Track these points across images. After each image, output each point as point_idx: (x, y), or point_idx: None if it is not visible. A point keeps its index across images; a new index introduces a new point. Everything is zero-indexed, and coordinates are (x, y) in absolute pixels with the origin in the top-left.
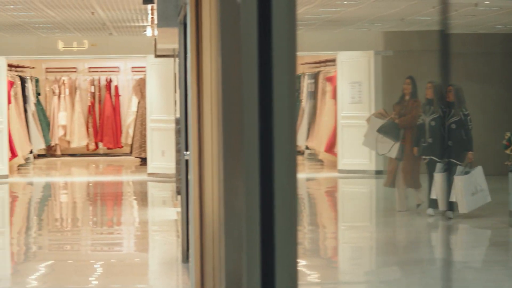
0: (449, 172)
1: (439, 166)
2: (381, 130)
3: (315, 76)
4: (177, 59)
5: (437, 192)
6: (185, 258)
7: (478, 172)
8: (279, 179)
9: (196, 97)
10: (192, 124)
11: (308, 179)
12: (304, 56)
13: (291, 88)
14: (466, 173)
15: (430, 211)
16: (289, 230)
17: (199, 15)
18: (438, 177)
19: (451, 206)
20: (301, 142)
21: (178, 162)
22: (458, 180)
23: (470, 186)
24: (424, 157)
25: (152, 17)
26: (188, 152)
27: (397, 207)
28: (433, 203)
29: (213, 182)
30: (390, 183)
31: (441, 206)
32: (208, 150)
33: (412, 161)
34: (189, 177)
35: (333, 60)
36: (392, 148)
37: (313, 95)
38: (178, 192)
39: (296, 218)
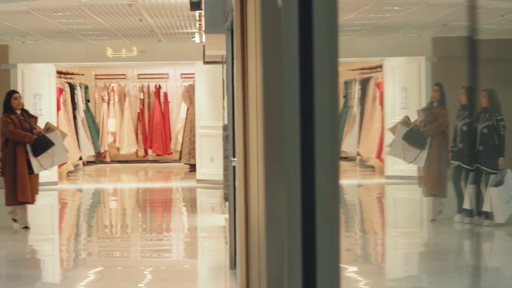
0: (478, 178)
1: (471, 175)
2: (406, 138)
3: (365, 82)
4: (225, 66)
5: (471, 201)
6: (233, 264)
7: (509, 177)
8: (321, 185)
9: (241, 103)
10: (237, 131)
11: (359, 185)
12: (356, 62)
13: (332, 94)
14: (499, 183)
15: (458, 218)
16: (330, 236)
17: (244, 21)
18: (471, 188)
19: (486, 214)
20: (352, 148)
21: (225, 169)
22: (492, 191)
23: (504, 195)
24: (452, 162)
25: (200, 24)
26: (235, 159)
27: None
28: (464, 210)
29: (259, 188)
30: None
31: (475, 214)
32: (253, 156)
33: (438, 169)
34: (236, 183)
35: (381, 66)
36: (418, 156)
37: (363, 101)
38: (226, 199)
39: (338, 224)
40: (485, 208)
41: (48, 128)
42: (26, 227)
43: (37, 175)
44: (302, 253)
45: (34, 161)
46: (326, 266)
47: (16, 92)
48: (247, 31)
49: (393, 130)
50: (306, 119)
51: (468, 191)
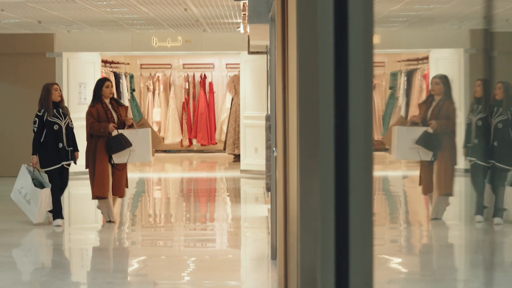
0: (494, 174)
1: (489, 173)
2: (421, 142)
3: (411, 73)
4: (269, 56)
5: (488, 199)
6: (274, 254)
7: None
8: (355, 178)
9: (281, 94)
10: (277, 121)
11: (404, 177)
12: (401, 54)
13: (367, 85)
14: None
15: (479, 217)
16: (364, 228)
17: (285, 11)
18: (489, 187)
19: (500, 212)
20: None
21: (268, 159)
22: (509, 190)
23: None
24: (470, 158)
25: (244, 14)
26: (275, 149)
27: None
28: (482, 210)
29: (296, 180)
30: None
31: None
32: (293, 147)
33: (445, 166)
34: (277, 174)
35: (426, 58)
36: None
37: (409, 92)
38: (268, 189)
39: (372, 217)
40: (503, 204)
41: (142, 124)
42: (110, 221)
43: (125, 169)
44: (335, 245)
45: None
46: (359, 259)
47: (108, 80)
48: (288, 21)
49: (387, 136)
50: (341, 110)
51: (487, 189)
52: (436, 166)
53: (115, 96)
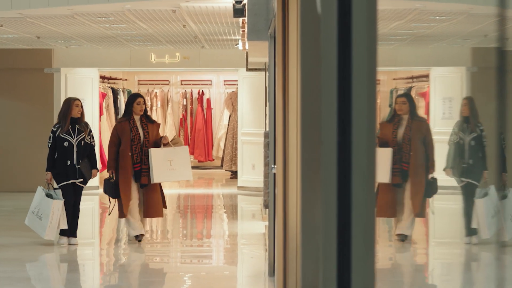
0: (468, 193)
1: (478, 191)
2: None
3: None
4: (267, 73)
5: (478, 219)
6: (272, 271)
7: (493, 190)
8: (357, 193)
9: (281, 110)
10: (277, 138)
11: None
12: (397, 71)
13: (370, 101)
14: (484, 196)
15: (468, 239)
16: (366, 243)
17: (286, 28)
18: (480, 202)
19: (473, 231)
20: None
21: (266, 176)
22: (479, 204)
23: (489, 208)
24: (463, 179)
25: (243, 31)
26: (275, 166)
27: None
28: (473, 231)
29: (297, 196)
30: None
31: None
32: (293, 164)
33: (418, 186)
34: (276, 190)
35: (426, 76)
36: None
37: None
38: (266, 206)
39: (374, 232)
40: (473, 224)
41: (177, 142)
42: (139, 235)
43: (156, 188)
44: (337, 262)
45: (155, 170)
46: (361, 275)
47: (140, 96)
48: (289, 38)
49: None
50: (344, 127)
51: (477, 207)
52: (410, 188)
53: (113, 111)
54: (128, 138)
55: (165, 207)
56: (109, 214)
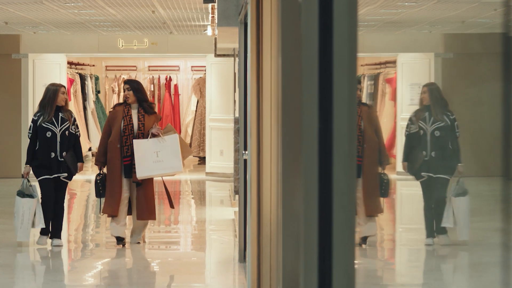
0: (430, 188)
1: (455, 187)
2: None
3: (374, 78)
4: (237, 59)
5: (457, 218)
6: (242, 257)
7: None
8: (338, 180)
9: (255, 96)
10: (251, 124)
11: None
12: (365, 57)
13: (351, 89)
14: (464, 193)
15: (429, 241)
16: (347, 230)
17: (260, 14)
18: (460, 201)
19: (443, 230)
20: None
21: (236, 162)
22: (457, 202)
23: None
24: (423, 174)
25: (212, 16)
26: (246, 152)
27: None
28: (432, 232)
29: (272, 182)
30: None
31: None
32: (267, 150)
33: (373, 181)
34: (247, 176)
35: (393, 62)
36: None
37: (373, 96)
38: (236, 192)
39: (354, 219)
40: (446, 223)
41: (168, 131)
42: (119, 237)
43: (150, 187)
44: (318, 248)
45: (138, 164)
46: (342, 260)
47: (125, 82)
48: (263, 24)
49: None
50: (325, 113)
51: (451, 205)
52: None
53: (81, 97)
54: (118, 128)
55: (172, 207)
56: (101, 214)
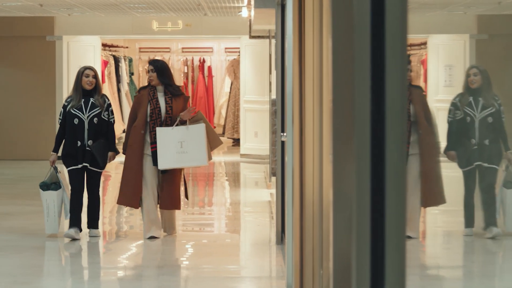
0: (478, 177)
1: (505, 176)
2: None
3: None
4: (272, 40)
5: (506, 209)
6: (279, 239)
7: None
8: (391, 162)
9: (298, 78)
10: (293, 106)
11: None
12: None
13: (403, 70)
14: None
15: (469, 231)
16: (399, 212)
17: None
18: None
19: (493, 221)
20: None
21: (273, 144)
22: (507, 193)
23: None
24: (470, 162)
25: None
26: (284, 134)
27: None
28: (472, 222)
29: (314, 164)
30: None
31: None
32: (309, 132)
33: (430, 172)
34: (286, 158)
35: (425, 43)
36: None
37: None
38: (273, 174)
39: (405, 201)
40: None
41: (197, 120)
42: (152, 237)
43: (176, 176)
44: (370, 228)
45: (160, 155)
46: (394, 242)
47: (149, 63)
48: (305, 5)
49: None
50: (377, 97)
51: (502, 197)
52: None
53: (115, 79)
54: (144, 112)
55: (187, 198)
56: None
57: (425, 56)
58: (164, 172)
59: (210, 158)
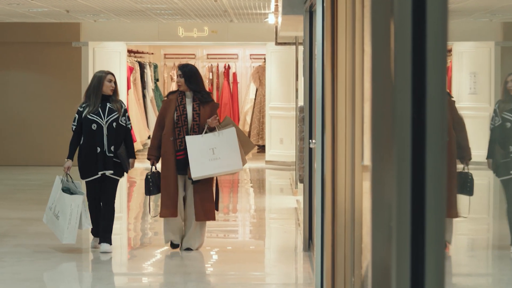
0: None
1: None
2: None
3: None
4: (299, 47)
5: None
6: (306, 246)
7: None
8: (431, 171)
9: (330, 85)
10: (326, 114)
11: None
12: None
13: (443, 76)
14: None
15: None
16: (438, 221)
17: (334, 2)
18: None
19: None
20: None
21: (301, 150)
22: None
23: None
24: (509, 172)
25: (276, 5)
26: (313, 141)
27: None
28: None
29: (347, 171)
30: None
31: None
32: (341, 139)
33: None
34: (315, 165)
35: (449, 50)
36: None
37: None
38: (301, 180)
39: (445, 209)
40: None
41: (227, 124)
42: (171, 243)
43: (209, 185)
44: (410, 237)
45: (192, 164)
46: (433, 250)
47: (178, 68)
48: (337, 12)
49: None
50: (418, 104)
51: None
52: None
53: (140, 85)
54: (171, 119)
55: (217, 209)
56: (153, 216)
57: (449, 63)
58: (195, 182)
59: (244, 162)
